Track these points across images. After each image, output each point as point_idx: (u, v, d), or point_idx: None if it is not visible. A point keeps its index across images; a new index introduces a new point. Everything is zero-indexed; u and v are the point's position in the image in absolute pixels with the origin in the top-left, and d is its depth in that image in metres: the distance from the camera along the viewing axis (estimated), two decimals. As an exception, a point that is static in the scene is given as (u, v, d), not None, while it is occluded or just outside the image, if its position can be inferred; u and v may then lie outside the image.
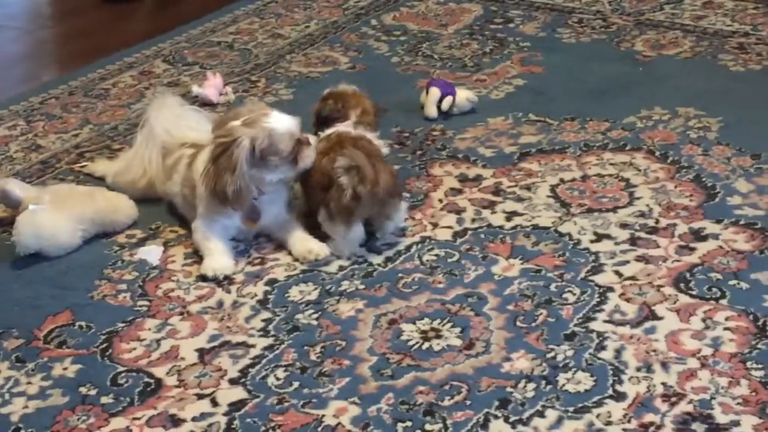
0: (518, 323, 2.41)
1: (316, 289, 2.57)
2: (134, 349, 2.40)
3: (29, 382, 2.32)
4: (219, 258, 2.66)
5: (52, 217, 2.73)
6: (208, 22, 4.20)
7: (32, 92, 3.68)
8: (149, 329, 2.46)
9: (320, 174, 2.67)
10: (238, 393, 2.25)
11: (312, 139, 2.73)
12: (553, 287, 2.53)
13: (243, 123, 2.64)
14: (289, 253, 2.71)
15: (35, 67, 4.11)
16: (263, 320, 2.47)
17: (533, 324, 2.40)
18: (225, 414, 2.20)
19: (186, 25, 4.17)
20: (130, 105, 3.53)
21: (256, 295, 2.56)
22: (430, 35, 3.97)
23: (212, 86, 3.54)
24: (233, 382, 2.28)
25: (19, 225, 2.71)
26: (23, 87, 3.78)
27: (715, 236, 2.69)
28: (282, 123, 2.66)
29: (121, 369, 2.34)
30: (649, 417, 2.13)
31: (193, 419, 2.19)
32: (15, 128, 3.42)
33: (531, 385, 2.22)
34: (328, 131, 2.80)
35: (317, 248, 2.68)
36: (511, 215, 2.82)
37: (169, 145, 2.89)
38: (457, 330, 2.40)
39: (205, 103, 3.45)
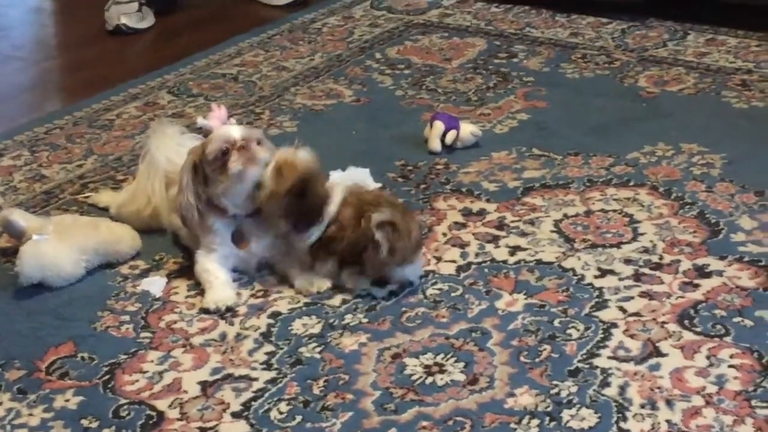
0: (522, 359, 2.40)
1: (319, 322, 2.56)
2: (137, 381, 2.39)
3: (31, 414, 2.31)
4: (219, 291, 2.65)
5: (56, 248, 2.72)
6: (212, 54, 4.21)
7: (37, 122, 3.68)
8: (152, 361, 2.45)
9: (355, 238, 2.61)
10: (241, 427, 2.24)
11: (262, 151, 2.63)
12: (556, 323, 2.52)
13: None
14: (291, 286, 2.71)
15: (40, 97, 4.12)
16: (266, 353, 2.46)
17: (537, 359, 2.40)
18: (227, 448, 2.19)
19: (191, 57, 4.18)
20: (135, 136, 3.53)
21: (259, 328, 2.55)
22: (434, 69, 3.98)
23: (217, 118, 3.53)
24: (236, 415, 2.27)
25: (23, 255, 2.70)
26: (28, 117, 3.77)
27: (719, 273, 2.68)
28: (220, 130, 2.68)
29: (123, 401, 2.33)
30: (653, 455, 2.12)
31: (195, 453, 2.18)
32: (19, 158, 3.42)
33: (535, 422, 2.21)
34: (340, 195, 2.66)
35: (318, 281, 2.68)
36: (514, 250, 2.82)
37: (172, 174, 2.88)
38: (461, 365, 2.39)
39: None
